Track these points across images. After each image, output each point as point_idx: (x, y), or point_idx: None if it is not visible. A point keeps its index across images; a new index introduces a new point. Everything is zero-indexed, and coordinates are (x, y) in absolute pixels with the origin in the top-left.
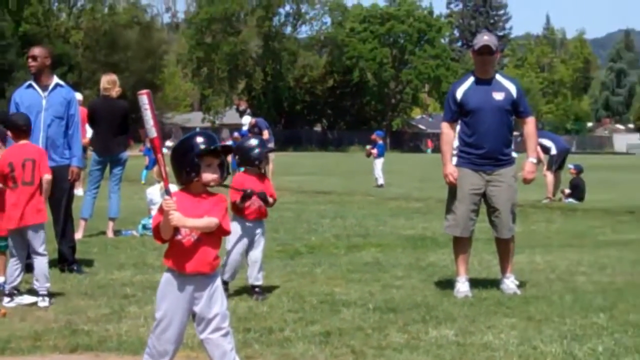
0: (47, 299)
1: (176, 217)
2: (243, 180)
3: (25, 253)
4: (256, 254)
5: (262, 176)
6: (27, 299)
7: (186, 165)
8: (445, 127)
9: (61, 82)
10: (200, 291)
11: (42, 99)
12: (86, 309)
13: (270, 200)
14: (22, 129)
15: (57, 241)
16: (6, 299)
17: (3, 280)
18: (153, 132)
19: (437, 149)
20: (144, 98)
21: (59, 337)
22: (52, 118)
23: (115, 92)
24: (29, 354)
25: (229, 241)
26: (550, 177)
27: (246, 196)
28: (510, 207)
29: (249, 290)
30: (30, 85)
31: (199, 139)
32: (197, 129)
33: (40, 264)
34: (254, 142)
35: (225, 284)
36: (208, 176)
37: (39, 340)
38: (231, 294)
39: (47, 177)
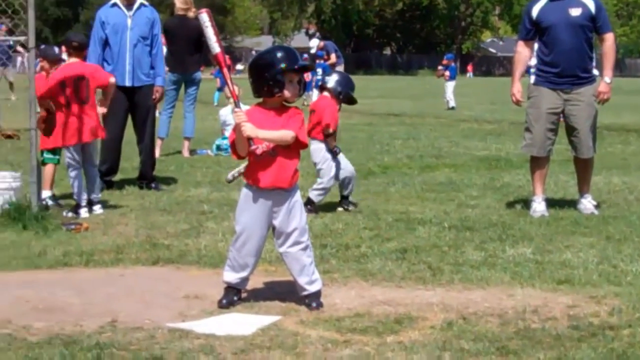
0: (97, 206)
1: (248, 128)
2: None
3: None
4: (349, 169)
5: None
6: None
7: (269, 80)
8: (519, 45)
9: (145, 2)
10: (279, 205)
11: (127, 18)
12: (165, 225)
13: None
14: (73, 45)
15: (140, 159)
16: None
17: (51, 193)
18: (216, 48)
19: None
20: (204, 16)
21: (140, 250)
22: (138, 38)
23: (192, 12)
24: (112, 266)
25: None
26: None
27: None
28: (590, 126)
29: (325, 207)
30: (115, 4)
31: (283, 55)
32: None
33: (95, 175)
34: None
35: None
36: (289, 92)
37: (121, 253)
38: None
39: (112, 80)
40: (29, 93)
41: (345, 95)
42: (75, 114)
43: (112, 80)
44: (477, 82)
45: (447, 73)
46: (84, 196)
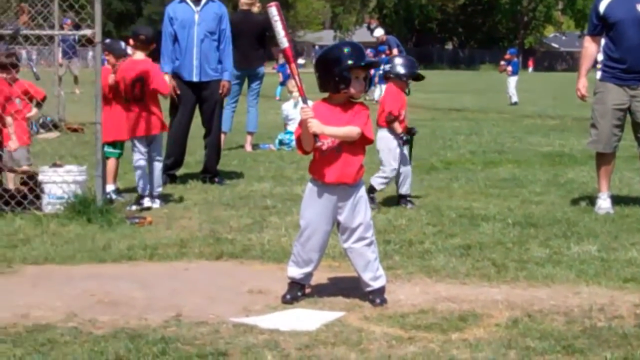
0: (158, 200)
1: (315, 124)
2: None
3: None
4: (408, 168)
5: None
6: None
7: (335, 75)
8: (586, 40)
9: None
10: (344, 201)
11: (194, 14)
12: (229, 219)
13: None
14: (140, 38)
15: (205, 153)
16: (153, 201)
17: (115, 187)
18: (285, 43)
19: (546, 68)
20: (273, 10)
21: (203, 244)
22: (205, 33)
23: (257, 7)
24: (176, 260)
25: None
26: None
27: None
28: None
29: (388, 202)
30: (182, 0)
31: (350, 51)
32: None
33: (159, 169)
34: None
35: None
36: (355, 88)
37: (185, 247)
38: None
39: (168, 91)
40: (95, 87)
41: (410, 76)
42: (139, 108)
43: (168, 90)
44: (539, 78)
45: (510, 68)
46: (148, 188)
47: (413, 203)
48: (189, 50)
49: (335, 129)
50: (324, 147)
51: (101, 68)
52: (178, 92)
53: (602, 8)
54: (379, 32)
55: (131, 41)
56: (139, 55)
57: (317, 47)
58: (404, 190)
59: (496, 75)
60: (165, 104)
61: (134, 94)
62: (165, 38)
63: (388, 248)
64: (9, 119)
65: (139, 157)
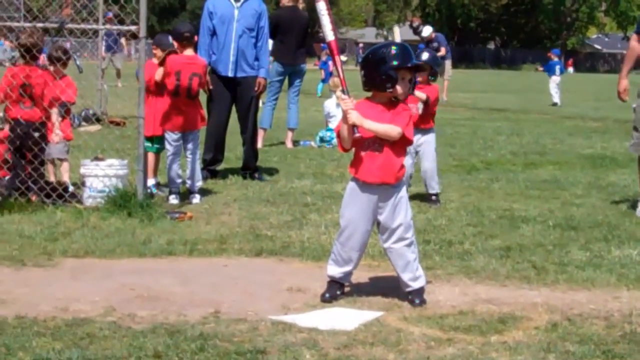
0: (198, 195)
1: (354, 116)
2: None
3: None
4: (426, 165)
5: None
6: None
7: (382, 74)
8: (633, 39)
9: None
10: (385, 201)
11: (234, 9)
12: (268, 215)
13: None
14: (185, 36)
15: (243, 149)
16: (195, 197)
17: (156, 181)
18: (331, 35)
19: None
20: (321, 4)
21: (243, 241)
22: (243, 29)
23: (300, 3)
24: (215, 256)
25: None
26: None
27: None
28: None
29: (427, 203)
30: None
31: (398, 52)
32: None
33: (196, 165)
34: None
35: None
36: (401, 89)
37: (225, 243)
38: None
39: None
40: (139, 81)
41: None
42: (178, 104)
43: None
44: (581, 79)
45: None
46: (177, 183)
47: (437, 202)
48: (227, 45)
49: (374, 124)
50: (368, 149)
51: (145, 62)
52: (211, 87)
53: None
54: (428, 30)
55: (175, 43)
56: (190, 52)
57: (360, 44)
58: (432, 190)
59: (538, 76)
60: (203, 99)
61: (189, 90)
62: (203, 32)
63: (427, 248)
64: (54, 113)
65: (171, 150)
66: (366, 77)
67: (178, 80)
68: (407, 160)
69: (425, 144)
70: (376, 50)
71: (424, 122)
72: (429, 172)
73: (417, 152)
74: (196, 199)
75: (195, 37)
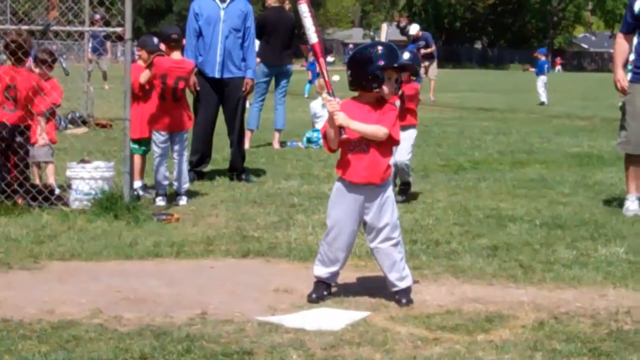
0: (185, 197)
1: (341, 117)
2: None
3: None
4: (399, 156)
5: None
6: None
7: (368, 74)
8: (619, 37)
9: None
10: (371, 201)
11: (220, 10)
12: (255, 217)
13: None
14: (172, 38)
15: (230, 151)
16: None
17: (142, 183)
18: (314, 38)
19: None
20: (303, 6)
21: (230, 242)
22: (230, 30)
23: (286, 4)
24: (202, 257)
25: None
26: None
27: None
28: None
29: (415, 203)
30: None
31: (384, 51)
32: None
33: (183, 166)
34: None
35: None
36: (387, 89)
37: (211, 244)
38: None
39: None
40: (124, 83)
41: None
42: (165, 106)
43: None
44: (568, 78)
45: (532, 69)
46: (164, 185)
47: (402, 200)
48: (213, 46)
49: (361, 125)
50: (354, 150)
51: (130, 64)
52: (198, 88)
53: (636, 7)
54: (415, 28)
55: (163, 45)
56: (177, 55)
57: (350, 45)
58: (398, 182)
59: (525, 75)
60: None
61: (175, 92)
62: (189, 33)
63: (415, 248)
64: (41, 116)
65: (158, 151)
66: (352, 77)
67: (164, 84)
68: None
69: (403, 140)
70: (362, 50)
71: (401, 118)
72: (399, 165)
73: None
74: (183, 200)
75: (184, 40)
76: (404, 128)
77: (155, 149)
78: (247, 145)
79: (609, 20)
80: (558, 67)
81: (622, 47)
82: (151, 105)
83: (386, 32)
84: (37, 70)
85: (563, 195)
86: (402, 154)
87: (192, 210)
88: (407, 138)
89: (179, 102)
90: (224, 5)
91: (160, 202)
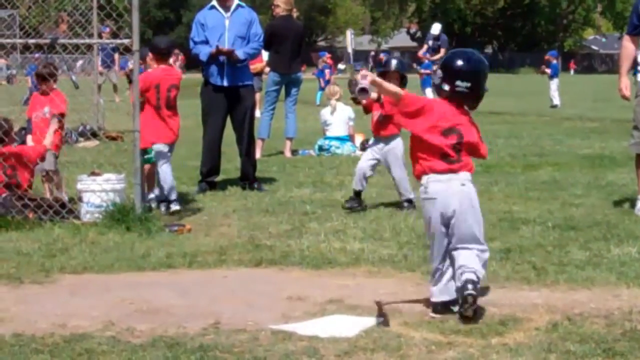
0: (176, 202)
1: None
2: None
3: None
4: (394, 172)
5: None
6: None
7: None
8: (625, 40)
9: (242, 3)
10: None
11: (225, 19)
12: (268, 225)
13: None
14: (162, 51)
15: (240, 160)
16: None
17: (155, 194)
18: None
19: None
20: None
21: (243, 251)
22: (235, 38)
23: (294, 12)
24: (215, 267)
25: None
26: None
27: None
28: None
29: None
30: (212, 7)
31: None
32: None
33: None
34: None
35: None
36: None
37: (224, 254)
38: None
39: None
40: (133, 95)
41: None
42: (162, 115)
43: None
44: (578, 80)
45: (548, 70)
46: (175, 190)
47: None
48: (220, 55)
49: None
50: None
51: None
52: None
53: None
54: (437, 27)
55: (151, 54)
56: (164, 66)
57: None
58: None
59: (536, 78)
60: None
61: (168, 101)
62: (196, 43)
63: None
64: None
65: (164, 160)
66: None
67: (159, 93)
68: (367, 162)
69: (390, 151)
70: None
71: (384, 128)
72: (397, 179)
73: (378, 160)
74: (176, 206)
75: (172, 53)
76: (389, 139)
77: (162, 159)
78: (258, 155)
79: (619, 22)
80: (572, 70)
81: (627, 51)
82: (147, 117)
83: (350, 39)
84: (42, 86)
85: (575, 197)
86: (396, 165)
87: (204, 220)
88: (394, 148)
89: (173, 111)
90: (228, 14)
91: (175, 206)
